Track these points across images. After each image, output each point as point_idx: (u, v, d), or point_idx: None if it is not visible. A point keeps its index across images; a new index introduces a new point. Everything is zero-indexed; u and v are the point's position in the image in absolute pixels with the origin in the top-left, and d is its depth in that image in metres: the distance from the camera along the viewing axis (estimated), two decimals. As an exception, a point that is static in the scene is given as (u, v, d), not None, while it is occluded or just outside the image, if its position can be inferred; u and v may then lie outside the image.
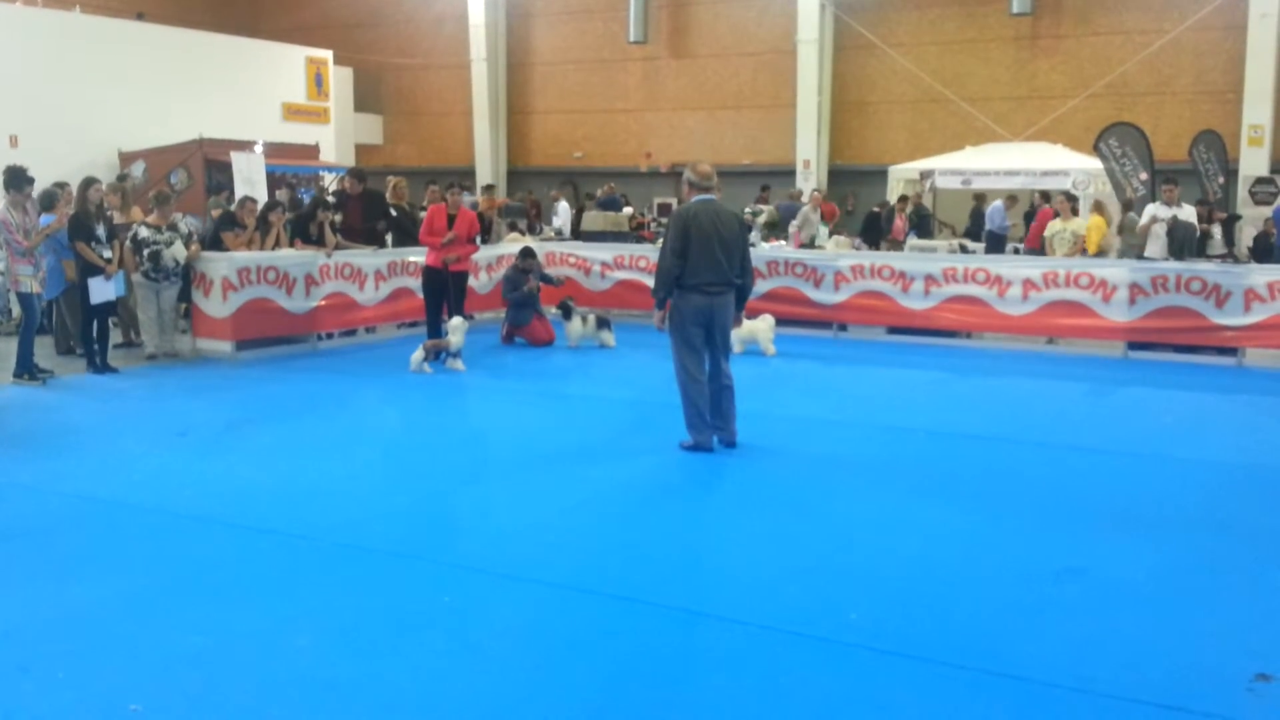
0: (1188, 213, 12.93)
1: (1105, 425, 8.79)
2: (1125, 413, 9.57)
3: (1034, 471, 7.18)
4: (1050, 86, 23.37)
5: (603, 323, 12.29)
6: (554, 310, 12.93)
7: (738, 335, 11.15)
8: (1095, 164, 17.13)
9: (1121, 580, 5.12)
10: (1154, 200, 13.56)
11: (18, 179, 9.70)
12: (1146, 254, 12.81)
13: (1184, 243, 12.61)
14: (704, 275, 7.18)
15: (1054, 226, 13.66)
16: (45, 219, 10.29)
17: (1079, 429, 8.52)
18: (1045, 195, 18.50)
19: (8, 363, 10.07)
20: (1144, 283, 11.80)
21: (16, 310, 11.25)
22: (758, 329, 11.68)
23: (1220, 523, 6.06)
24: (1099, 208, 14.93)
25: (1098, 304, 12.03)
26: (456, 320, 10.64)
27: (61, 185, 11.23)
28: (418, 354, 10.43)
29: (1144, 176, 15.46)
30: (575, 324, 12.15)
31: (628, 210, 21.25)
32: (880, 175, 21.78)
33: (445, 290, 11.21)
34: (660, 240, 15.14)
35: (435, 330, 11.11)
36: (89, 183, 10.49)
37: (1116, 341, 12.14)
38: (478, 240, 11.51)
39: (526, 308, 12.44)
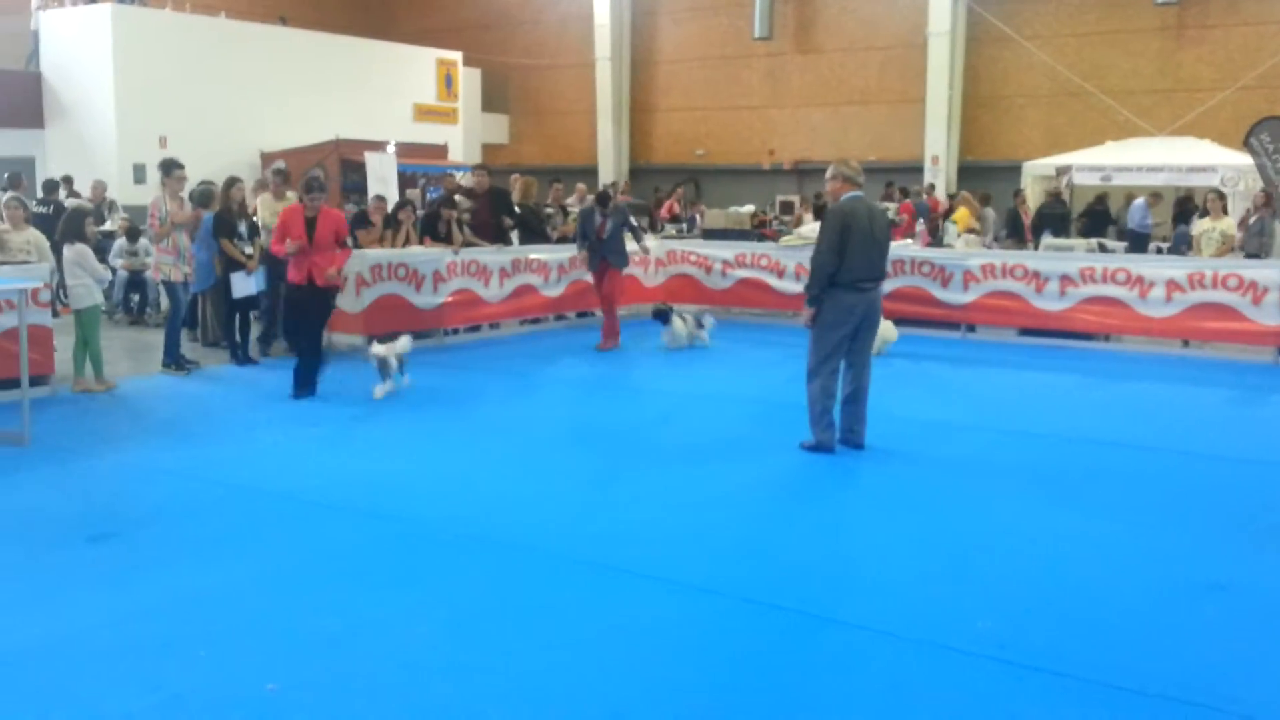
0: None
1: (1253, 434, 8.35)
2: (1275, 421, 9.09)
3: (1175, 481, 6.87)
4: (1197, 79, 22.38)
5: (700, 321, 12.07)
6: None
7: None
8: (1245, 160, 16.33)
9: (1269, 597, 4.86)
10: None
11: (166, 166, 10.42)
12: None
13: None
14: (859, 272, 7.12)
15: (1202, 225, 13.09)
16: (207, 216, 10.79)
17: (1224, 437, 8.12)
18: (904, 191, 18.07)
19: (155, 353, 10.55)
20: (1297, 285, 11.20)
21: (165, 302, 11.80)
22: (887, 333, 11.47)
23: (1381, 540, 5.70)
24: (966, 200, 16.26)
25: (1247, 307, 11.46)
26: (404, 340, 9.38)
27: (210, 184, 11.71)
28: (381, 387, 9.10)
29: (1298, 173, 14.66)
30: (677, 325, 11.79)
31: (749, 208, 21.13)
32: (1013, 172, 21.17)
33: (307, 309, 9.23)
34: (783, 238, 15.01)
35: (301, 353, 9.31)
36: (231, 182, 10.97)
37: (1267, 346, 11.55)
38: (350, 243, 9.83)
39: (595, 254, 11.75)
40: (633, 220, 12.30)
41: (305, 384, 9.09)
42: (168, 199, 10.18)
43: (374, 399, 8.93)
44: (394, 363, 9.16)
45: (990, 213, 18.56)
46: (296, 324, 9.52)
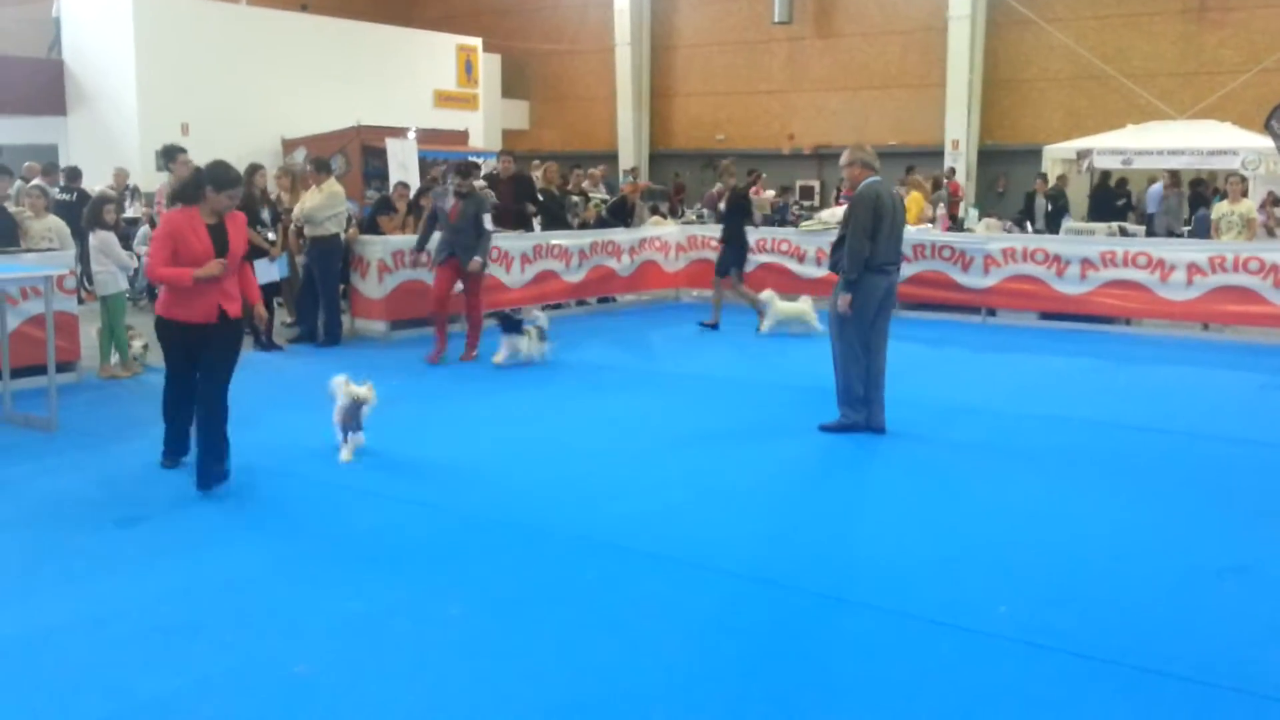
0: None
1: (1273, 417, 8.31)
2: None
3: (1197, 464, 6.86)
4: (1219, 61, 22.16)
5: (543, 334, 10.21)
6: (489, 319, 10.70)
7: (779, 314, 11.86)
8: (1267, 143, 16.18)
9: (1291, 581, 4.87)
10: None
11: (168, 152, 10.55)
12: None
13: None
14: (887, 255, 7.27)
15: (1221, 209, 12.99)
16: None
17: (1246, 421, 8.09)
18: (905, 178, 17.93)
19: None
20: (1321, 268, 11.12)
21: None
22: (805, 311, 11.93)
23: (1404, 524, 5.69)
24: (917, 185, 15.97)
25: (1268, 290, 11.39)
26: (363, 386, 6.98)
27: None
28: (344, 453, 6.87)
29: (1320, 156, 14.53)
30: (523, 341, 9.93)
31: (770, 193, 21.09)
32: (1033, 155, 21.05)
33: (215, 354, 6.35)
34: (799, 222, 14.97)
35: (174, 423, 6.49)
36: (254, 169, 11.01)
37: (1289, 330, 11.49)
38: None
39: (443, 249, 10.16)
40: (488, 221, 10.18)
41: (212, 469, 6.10)
42: (174, 185, 10.24)
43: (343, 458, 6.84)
44: (363, 411, 6.97)
45: (944, 195, 18.41)
46: (188, 381, 6.32)
